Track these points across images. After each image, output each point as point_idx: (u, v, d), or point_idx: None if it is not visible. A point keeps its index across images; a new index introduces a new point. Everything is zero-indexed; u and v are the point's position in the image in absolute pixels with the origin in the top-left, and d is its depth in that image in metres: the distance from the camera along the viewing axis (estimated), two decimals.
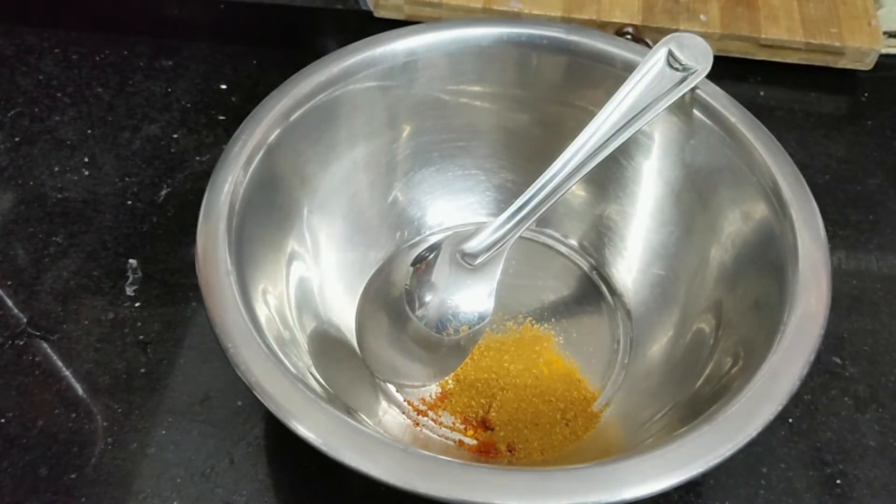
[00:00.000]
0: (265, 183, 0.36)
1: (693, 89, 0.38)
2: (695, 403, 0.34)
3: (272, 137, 0.37)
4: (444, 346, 0.38)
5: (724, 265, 0.38)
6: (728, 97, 0.38)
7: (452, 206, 0.45)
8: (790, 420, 0.40)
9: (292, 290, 0.38)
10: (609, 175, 0.42)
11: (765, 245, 0.35)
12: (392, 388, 0.39)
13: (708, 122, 0.38)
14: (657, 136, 0.40)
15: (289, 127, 0.37)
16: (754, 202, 0.36)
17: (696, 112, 0.38)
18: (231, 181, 0.35)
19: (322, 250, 0.41)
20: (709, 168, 0.39)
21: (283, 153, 0.37)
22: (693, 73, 0.37)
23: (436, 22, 0.42)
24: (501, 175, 0.45)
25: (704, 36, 0.39)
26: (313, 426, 0.28)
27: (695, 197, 0.40)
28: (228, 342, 0.30)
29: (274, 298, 0.36)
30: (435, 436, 0.38)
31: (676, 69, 0.38)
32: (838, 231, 0.47)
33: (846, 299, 0.44)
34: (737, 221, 0.37)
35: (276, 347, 0.31)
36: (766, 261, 0.35)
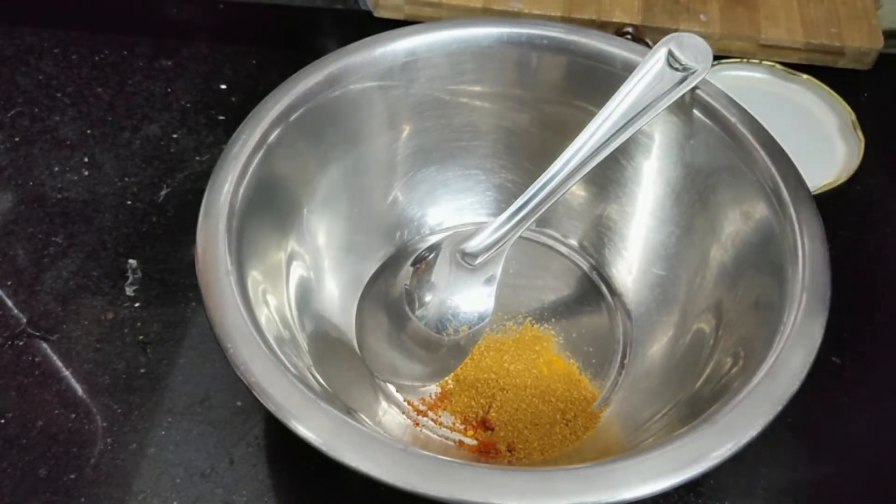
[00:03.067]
0: (265, 183, 0.36)
1: (693, 89, 0.38)
2: (695, 403, 0.34)
3: (272, 137, 0.37)
4: (444, 346, 0.38)
5: (724, 265, 0.38)
6: (728, 97, 0.38)
7: (452, 206, 0.45)
8: (790, 420, 0.39)
9: (292, 290, 0.38)
10: (609, 175, 0.42)
11: (765, 245, 0.35)
12: (392, 388, 0.39)
13: (708, 122, 0.38)
14: (657, 136, 0.40)
15: (289, 127, 0.37)
16: (754, 202, 0.36)
17: (696, 112, 0.38)
18: (231, 181, 0.35)
19: (322, 250, 0.41)
20: (709, 168, 0.39)
21: (283, 153, 0.37)
22: (693, 73, 0.37)
23: (436, 22, 0.42)
24: (501, 175, 0.45)
25: (704, 36, 0.39)
26: (313, 426, 0.28)
27: (695, 197, 0.40)
28: (228, 342, 0.30)
29: (274, 298, 0.36)
30: (435, 436, 0.38)
31: (676, 69, 0.38)
32: (838, 231, 0.47)
33: (846, 299, 0.44)
34: (737, 221, 0.37)
35: (276, 347, 0.31)
36: (766, 261, 0.35)
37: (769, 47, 0.54)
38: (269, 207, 0.37)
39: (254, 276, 0.34)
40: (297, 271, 0.39)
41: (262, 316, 0.33)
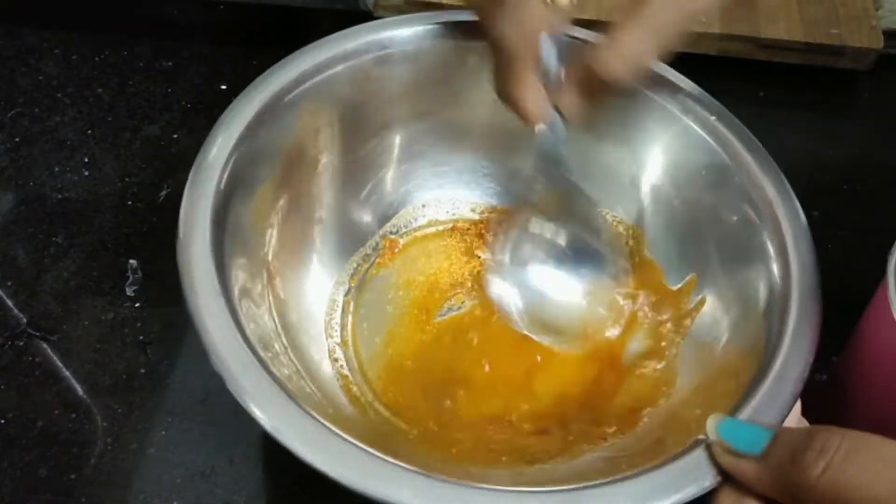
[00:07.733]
0: (251, 177, 0.35)
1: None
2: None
3: (260, 131, 0.36)
4: None
5: (714, 268, 0.38)
6: (716, 102, 0.38)
7: (448, 206, 0.45)
8: None
9: (279, 292, 0.37)
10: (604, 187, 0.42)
11: (748, 247, 0.35)
12: None
13: (694, 126, 0.38)
14: (644, 140, 0.40)
15: (274, 121, 0.36)
16: (738, 204, 0.36)
17: (681, 115, 0.39)
18: (219, 164, 0.33)
19: (314, 249, 0.40)
20: (694, 170, 0.39)
21: (273, 148, 0.37)
22: None
23: (433, 12, 0.41)
24: (499, 175, 0.45)
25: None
26: (305, 441, 0.29)
27: (679, 199, 0.40)
28: (222, 367, 0.30)
29: (261, 301, 0.35)
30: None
31: None
32: (838, 231, 0.47)
33: (845, 299, 0.44)
34: (721, 223, 0.37)
35: (262, 354, 0.31)
36: (753, 263, 0.35)
37: (769, 48, 0.54)
38: (256, 205, 0.37)
39: (238, 274, 0.33)
40: (289, 269, 0.38)
41: (247, 321, 0.32)
